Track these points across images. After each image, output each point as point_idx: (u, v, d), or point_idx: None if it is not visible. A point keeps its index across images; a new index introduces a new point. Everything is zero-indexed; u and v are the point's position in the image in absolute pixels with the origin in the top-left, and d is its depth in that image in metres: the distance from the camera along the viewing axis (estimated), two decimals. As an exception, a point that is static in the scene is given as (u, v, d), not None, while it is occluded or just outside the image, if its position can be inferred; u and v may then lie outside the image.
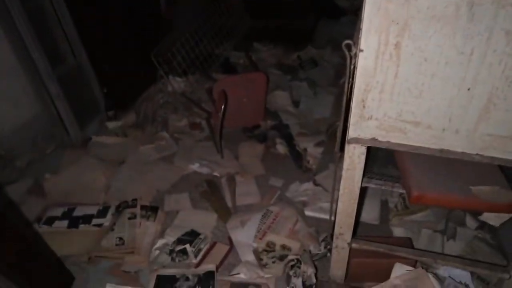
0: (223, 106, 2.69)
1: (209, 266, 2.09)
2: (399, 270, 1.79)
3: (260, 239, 2.23)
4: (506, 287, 1.72)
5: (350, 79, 1.38)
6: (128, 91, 3.68)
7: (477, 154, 1.32)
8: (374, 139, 1.41)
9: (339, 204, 1.63)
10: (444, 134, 1.32)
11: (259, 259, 2.11)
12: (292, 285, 1.86)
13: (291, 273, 1.88)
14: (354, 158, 1.48)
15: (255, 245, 2.21)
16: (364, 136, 1.41)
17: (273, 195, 2.62)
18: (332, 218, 2.08)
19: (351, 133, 1.42)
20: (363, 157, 1.48)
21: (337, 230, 1.72)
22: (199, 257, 2.20)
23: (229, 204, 2.57)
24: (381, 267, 1.83)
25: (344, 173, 1.54)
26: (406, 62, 1.20)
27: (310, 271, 1.85)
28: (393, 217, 2.33)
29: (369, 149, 1.46)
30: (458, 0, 1.05)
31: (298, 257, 1.92)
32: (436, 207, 2.23)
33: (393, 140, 1.39)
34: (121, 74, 3.58)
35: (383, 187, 1.64)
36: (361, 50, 1.23)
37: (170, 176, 2.84)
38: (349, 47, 1.31)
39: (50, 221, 2.48)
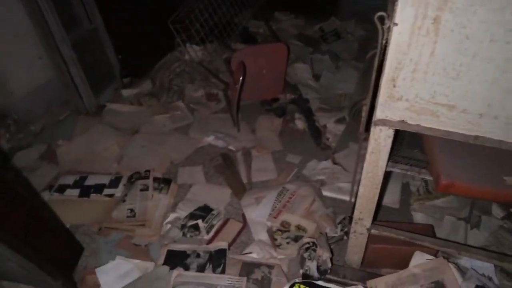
0: (241, 78, 2.59)
1: (221, 243, 2.04)
2: (419, 259, 1.70)
3: (275, 218, 2.16)
4: (533, 282, 1.64)
5: (381, 55, 1.27)
6: (145, 59, 3.60)
7: (516, 143, 1.20)
8: (403, 122, 1.30)
9: (360, 188, 1.54)
10: (480, 120, 1.20)
11: (273, 239, 2.04)
12: (306, 268, 1.79)
13: (305, 255, 1.81)
14: (379, 141, 1.38)
15: (269, 224, 2.14)
16: (393, 118, 1.30)
17: (290, 172, 2.53)
18: (352, 200, 2.01)
19: (379, 114, 1.31)
20: (390, 141, 1.37)
21: (356, 214, 1.64)
22: (211, 233, 2.15)
23: (244, 179, 2.49)
24: (400, 254, 1.75)
25: (368, 156, 1.44)
26: (444, 39, 1.08)
27: (326, 255, 1.77)
28: (415, 202, 2.23)
29: (396, 132, 1.36)
30: (513, -31, 0.92)
31: (314, 240, 1.85)
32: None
33: (423, 124, 1.28)
34: (137, 41, 3.49)
35: (408, 173, 1.54)
36: (396, 24, 1.11)
37: (184, 148, 2.77)
38: (382, 19, 1.20)
39: (61, 189, 2.45)
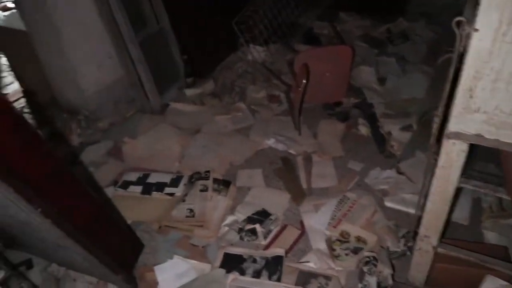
0: (304, 81, 2.54)
1: (278, 250, 2.01)
2: (491, 283, 1.57)
3: (334, 227, 2.09)
4: None
5: (457, 63, 1.18)
6: (208, 58, 3.63)
7: None
8: (479, 136, 1.20)
9: (428, 203, 1.45)
10: None
11: (331, 249, 1.98)
12: (365, 283, 1.72)
13: (365, 269, 1.74)
14: (452, 155, 1.29)
15: (328, 233, 2.08)
16: (467, 131, 1.21)
17: (351, 180, 2.45)
18: (418, 213, 1.90)
19: (452, 126, 1.23)
20: (463, 155, 1.28)
21: (422, 231, 1.54)
22: (269, 239, 2.12)
23: (304, 185, 2.44)
24: (469, 276, 1.63)
25: (438, 170, 1.35)
26: (533, 47, 0.99)
27: (387, 272, 1.69)
28: (486, 219, 2.07)
29: (471, 146, 1.26)
30: None
31: (375, 254, 1.77)
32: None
33: (503, 139, 1.18)
34: (202, 41, 3.54)
35: (482, 190, 1.43)
36: (476, 30, 1.03)
37: (244, 150, 2.77)
38: (460, 24, 1.11)
39: (125, 185, 2.53)
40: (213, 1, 3.58)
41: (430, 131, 1.45)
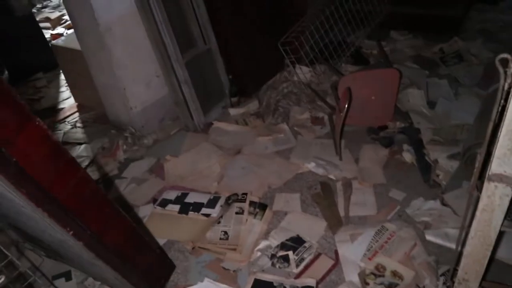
0: (346, 106, 2.48)
1: (309, 280, 1.95)
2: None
3: (370, 259, 2.01)
4: None
5: (502, 101, 1.10)
6: (254, 78, 3.65)
7: None
8: (524, 180, 1.11)
9: (467, 247, 1.35)
10: None
11: (365, 282, 1.90)
12: (399, 323, 1.63)
13: (399, 309, 1.65)
14: (494, 198, 1.19)
15: (362, 265, 2.00)
16: (512, 174, 1.12)
17: (391, 209, 2.34)
18: (459, 249, 1.79)
19: (494, 167, 1.14)
20: (507, 200, 1.18)
21: (461, 274, 1.44)
22: (301, 267, 2.07)
23: (341, 212, 2.37)
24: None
25: (478, 213, 1.26)
26: None
27: (423, 313, 1.60)
28: (538, 261, 1.92)
29: (515, 189, 1.16)
30: None
31: (410, 293, 1.68)
32: None
33: (551, 185, 1.08)
34: (248, 61, 3.56)
35: (529, 236, 1.32)
36: (522, 69, 0.95)
37: (284, 172, 2.73)
38: (505, 63, 1.04)
39: (164, 203, 2.57)
40: (260, 22, 3.60)
41: (472, 168, 1.36)
